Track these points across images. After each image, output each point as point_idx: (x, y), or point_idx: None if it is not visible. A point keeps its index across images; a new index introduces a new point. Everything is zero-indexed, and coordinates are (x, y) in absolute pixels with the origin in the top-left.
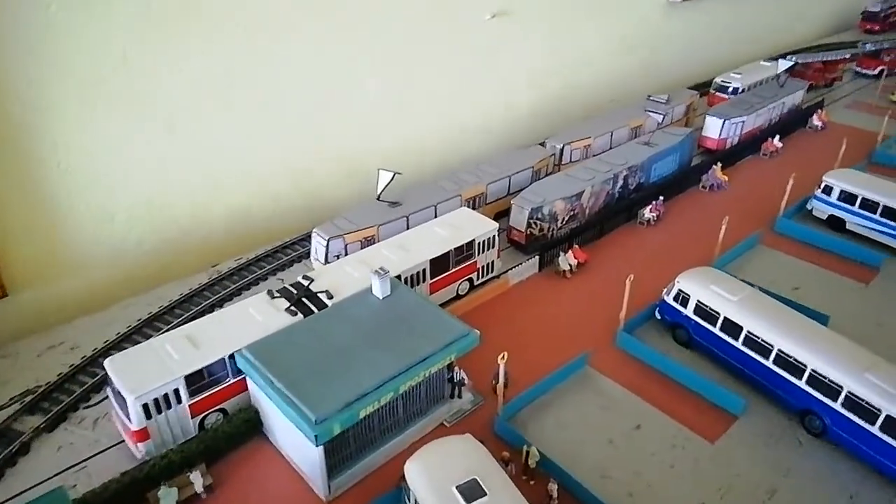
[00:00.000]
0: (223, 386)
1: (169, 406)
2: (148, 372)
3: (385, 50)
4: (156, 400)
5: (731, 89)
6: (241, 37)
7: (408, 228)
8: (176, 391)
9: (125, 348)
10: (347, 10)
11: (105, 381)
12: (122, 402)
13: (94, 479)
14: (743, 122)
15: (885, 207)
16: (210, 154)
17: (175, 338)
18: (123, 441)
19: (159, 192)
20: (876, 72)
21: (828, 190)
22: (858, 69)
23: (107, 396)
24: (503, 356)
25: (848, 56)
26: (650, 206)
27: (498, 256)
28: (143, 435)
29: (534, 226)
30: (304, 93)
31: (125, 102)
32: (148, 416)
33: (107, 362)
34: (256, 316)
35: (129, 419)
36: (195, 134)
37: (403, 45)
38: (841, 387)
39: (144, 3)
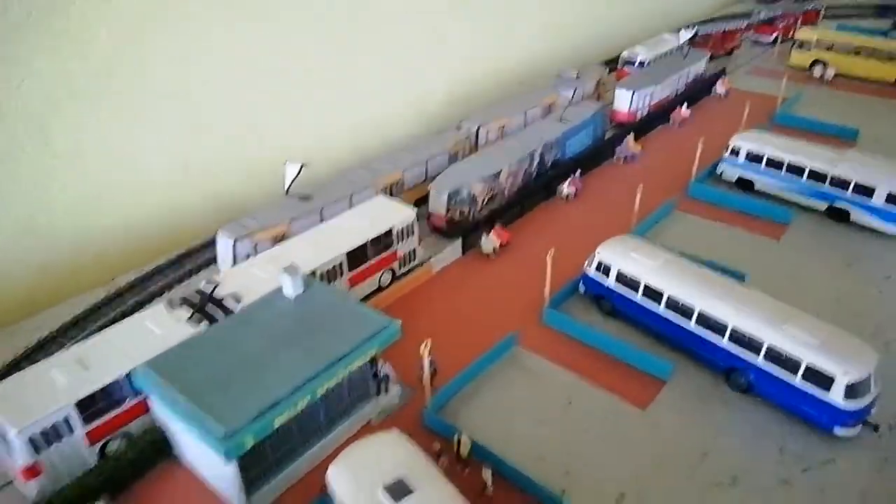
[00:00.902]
0: (123, 408)
1: (59, 437)
2: (32, 401)
3: (287, 40)
4: (44, 432)
5: (637, 62)
6: (126, 28)
7: (322, 222)
8: (66, 420)
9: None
10: (249, 1)
11: None
12: (3, 438)
13: None
14: (651, 92)
15: (790, 164)
16: (94, 163)
17: (62, 361)
18: (11, 482)
19: (39, 209)
20: (772, 38)
21: (735, 152)
22: (755, 37)
23: None
24: (426, 344)
25: (744, 25)
26: (568, 181)
27: (419, 244)
28: (32, 472)
29: (453, 209)
30: (200, 88)
31: None
32: (36, 450)
33: None
34: (155, 329)
35: (15, 456)
36: (75, 143)
37: (308, 36)
38: (762, 341)
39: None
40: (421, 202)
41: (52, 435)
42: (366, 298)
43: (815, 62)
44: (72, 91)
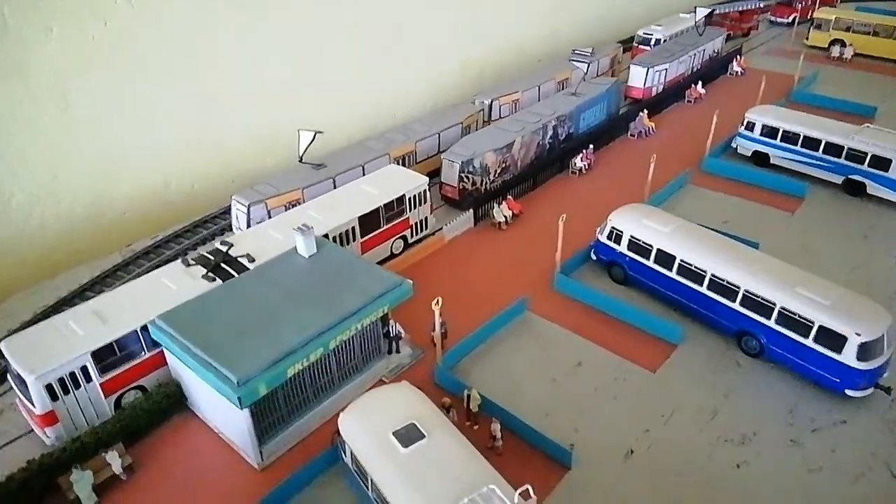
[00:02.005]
0: (138, 361)
1: (77, 385)
2: (50, 350)
3: (306, 16)
4: (61, 380)
5: (653, 41)
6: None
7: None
8: (83, 369)
9: None
10: None
11: (6, 369)
12: (23, 385)
13: (0, 473)
14: (666, 69)
15: (806, 138)
16: (113, 129)
17: (80, 314)
18: (32, 430)
19: (60, 171)
20: (790, 19)
21: (750, 126)
22: (773, 18)
23: (11, 387)
24: (437, 301)
25: (762, 5)
26: (581, 156)
27: (431, 213)
28: (50, 419)
29: (466, 180)
30: (218, 59)
31: (8, 74)
32: (54, 397)
33: (3, 344)
34: (171, 285)
35: (33, 403)
36: (94, 108)
37: (327, 12)
38: (774, 303)
39: None
40: (434, 175)
41: (69, 383)
42: (378, 265)
43: (833, 42)
44: (91, 56)
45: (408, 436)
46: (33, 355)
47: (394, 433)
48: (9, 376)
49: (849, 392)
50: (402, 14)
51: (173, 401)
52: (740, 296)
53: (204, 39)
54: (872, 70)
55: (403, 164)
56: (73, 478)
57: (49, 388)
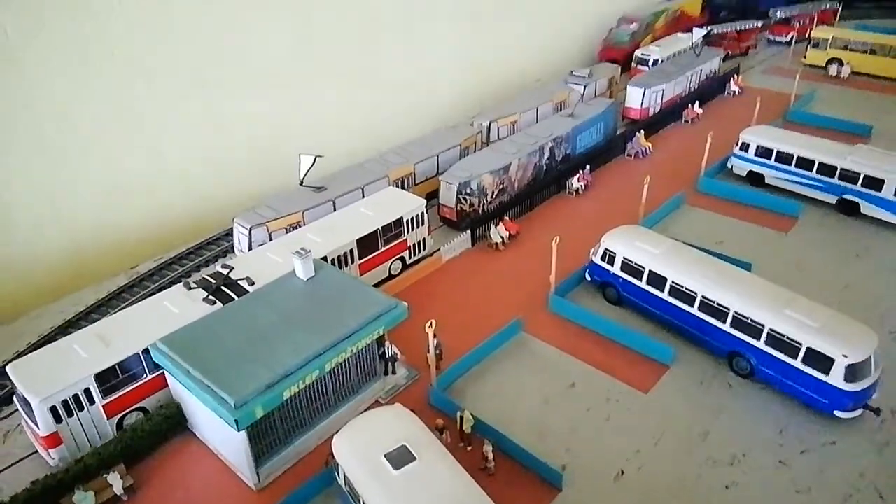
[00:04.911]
0: (140, 383)
1: (80, 408)
2: (54, 373)
3: (309, 42)
4: (65, 402)
5: (650, 61)
6: (146, 24)
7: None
8: (87, 391)
9: None
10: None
11: (13, 391)
12: (28, 407)
13: (5, 493)
14: (663, 90)
15: (800, 158)
16: (119, 152)
17: (84, 337)
18: (36, 451)
19: (65, 195)
20: (787, 38)
21: (745, 146)
22: (771, 37)
23: (17, 409)
24: (431, 323)
25: (759, 24)
26: (578, 176)
27: (429, 234)
28: (54, 440)
29: (463, 201)
30: (220, 84)
31: (11, 98)
32: (58, 419)
33: (9, 368)
34: (172, 309)
35: (37, 425)
36: (100, 133)
37: (329, 37)
38: (763, 325)
39: None
40: (432, 196)
41: (72, 405)
42: (376, 286)
43: (830, 61)
44: (99, 83)
45: (399, 458)
46: (38, 378)
47: (385, 455)
48: (15, 399)
49: (837, 413)
50: (403, 40)
51: (174, 422)
52: (730, 317)
53: (209, 66)
54: (870, 88)
55: (403, 186)
56: (75, 499)
57: (53, 410)
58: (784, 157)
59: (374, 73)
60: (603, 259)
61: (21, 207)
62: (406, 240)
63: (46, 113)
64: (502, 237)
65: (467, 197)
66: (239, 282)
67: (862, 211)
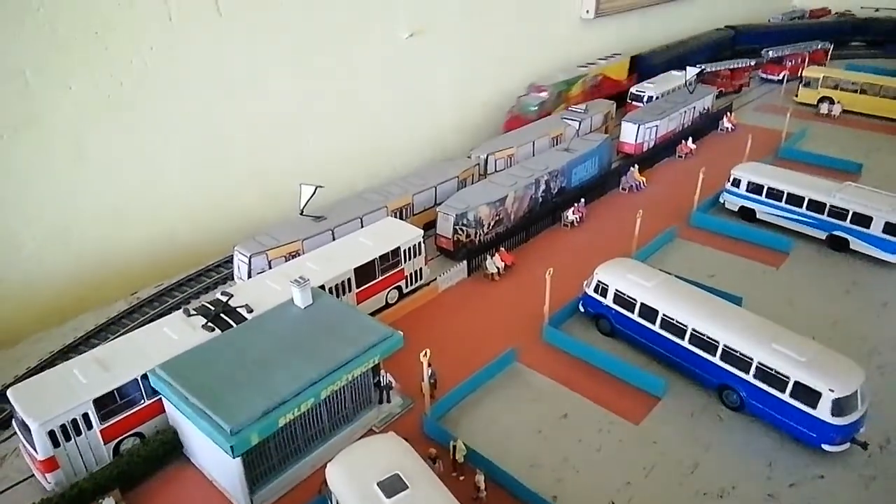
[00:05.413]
0: (138, 408)
1: (78, 432)
2: (53, 398)
3: (304, 67)
4: (63, 426)
5: (645, 98)
6: (148, 55)
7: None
8: (85, 416)
9: None
10: (266, 23)
11: (12, 415)
12: (26, 431)
13: None
14: (657, 126)
15: (790, 195)
16: (123, 178)
17: (83, 362)
18: (33, 475)
19: (71, 220)
20: (780, 77)
21: (737, 182)
22: (764, 75)
23: (15, 432)
24: (425, 353)
25: (752, 63)
26: (572, 209)
27: (426, 263)
28: (51, 465)
29: (460, 232)
30: (222, 112)
31: (25, 126)
32: (55, 444)
33: (10, 392)
34: (171, 335)
35: (35, 449)
36: (105, 159)
37: (323, 63)
38: (752, 359)
39: (49, 27)
40: (430, 226)
41: (70, 430)
42: (373, 315)
43: (821, 99)
44: (105, 111)
45: (391, 486)
46: (38, 402)
47: (378, 484)
48: (13, 422)
49: (825, 447)
50: (402, 74)
51: (170, 448)
52: (720, 350)
53: (213, 97)
54: (860, 127)
55: (401, 217)
56: None
57: (52, 434)
58: (775, 194)
59: (374, 107)
60: (596, 291)
61: (27, 232)
62: (403, 269)
63: (56, 140)
64: (498, 268)
65: (464, 228)
66: (238, 309)
67: (851, 247)
